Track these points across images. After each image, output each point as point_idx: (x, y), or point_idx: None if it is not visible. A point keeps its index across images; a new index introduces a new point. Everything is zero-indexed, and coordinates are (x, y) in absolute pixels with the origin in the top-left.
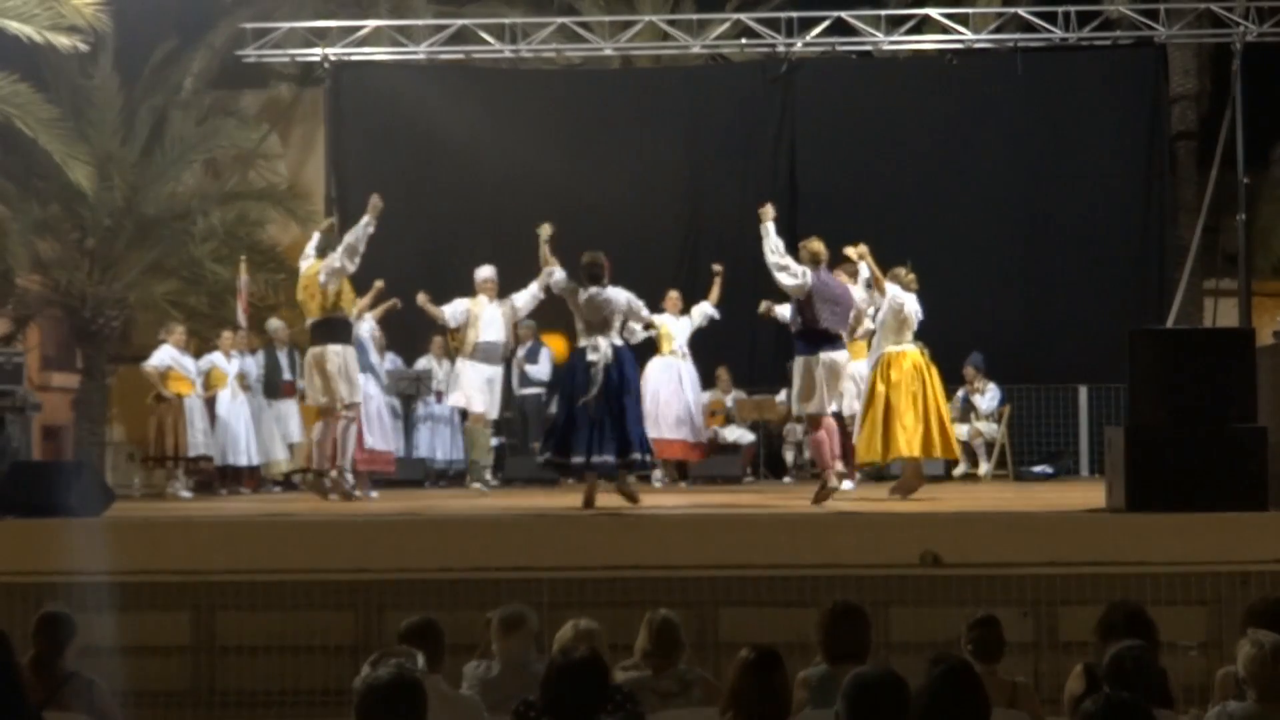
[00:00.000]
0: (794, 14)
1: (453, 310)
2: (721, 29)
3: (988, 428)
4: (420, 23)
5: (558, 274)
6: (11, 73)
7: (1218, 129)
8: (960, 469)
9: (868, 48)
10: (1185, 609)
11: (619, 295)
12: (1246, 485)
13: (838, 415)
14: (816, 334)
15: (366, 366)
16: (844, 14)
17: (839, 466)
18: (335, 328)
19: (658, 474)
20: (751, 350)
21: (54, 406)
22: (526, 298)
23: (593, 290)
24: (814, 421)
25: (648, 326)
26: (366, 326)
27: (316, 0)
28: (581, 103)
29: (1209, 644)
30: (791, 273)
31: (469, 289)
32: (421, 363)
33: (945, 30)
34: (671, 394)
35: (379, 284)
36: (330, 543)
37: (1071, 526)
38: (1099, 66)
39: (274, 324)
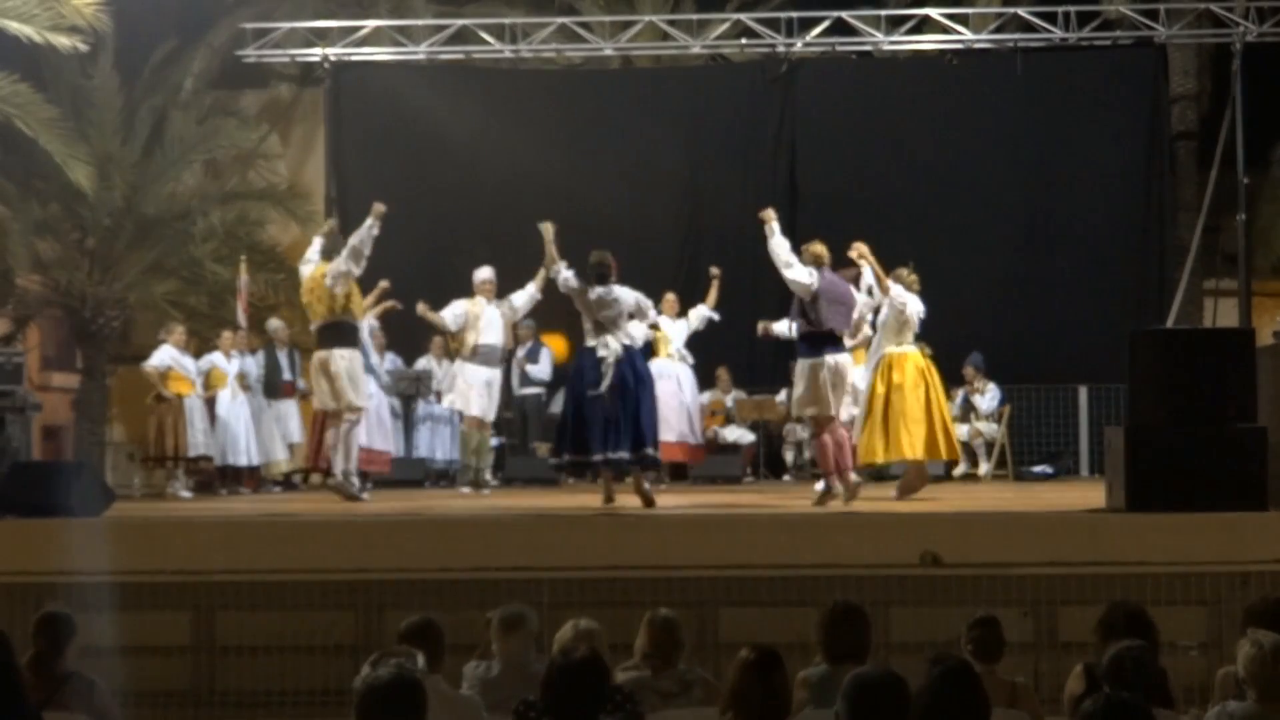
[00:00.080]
0: (794, 14)
1: (452, 313)
2: (721, 29)
3: (988, 428)
4: (420, 23)
5: (565, 272)
6: (11, 73)
7: (1218, 129)
8: (960, 469)
9: (868, 48)
10: (1185, 609)
11: (627, 294)
12: (1246, 485)
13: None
14: (820, 336)
15: (366, 367)
16: (844, 14)
17: (853, 478)
18: (342, 331)
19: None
20: (751, 350)
21: (54, 406)
22: (524, 298)
23: (600, 289)
24: (818, 423)
25: (653, 327)
26: (367, 326)
27: (316, 0)
28: (581, 103)
29: (1209, 644)
30: (800, 270)
31: (469, 289)
32: (421, 363)
33: (945, 30)
34: (669, 397)
35: (384, 284)
36: (330, 543)
37: (1071, 526)
38: (1099, 66)
39: (274, 324)
